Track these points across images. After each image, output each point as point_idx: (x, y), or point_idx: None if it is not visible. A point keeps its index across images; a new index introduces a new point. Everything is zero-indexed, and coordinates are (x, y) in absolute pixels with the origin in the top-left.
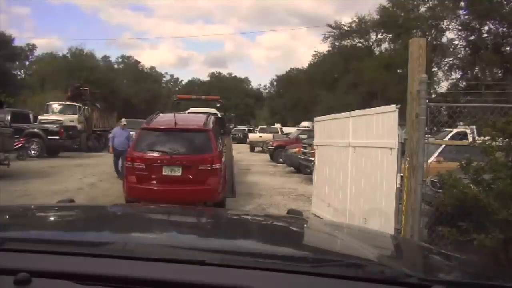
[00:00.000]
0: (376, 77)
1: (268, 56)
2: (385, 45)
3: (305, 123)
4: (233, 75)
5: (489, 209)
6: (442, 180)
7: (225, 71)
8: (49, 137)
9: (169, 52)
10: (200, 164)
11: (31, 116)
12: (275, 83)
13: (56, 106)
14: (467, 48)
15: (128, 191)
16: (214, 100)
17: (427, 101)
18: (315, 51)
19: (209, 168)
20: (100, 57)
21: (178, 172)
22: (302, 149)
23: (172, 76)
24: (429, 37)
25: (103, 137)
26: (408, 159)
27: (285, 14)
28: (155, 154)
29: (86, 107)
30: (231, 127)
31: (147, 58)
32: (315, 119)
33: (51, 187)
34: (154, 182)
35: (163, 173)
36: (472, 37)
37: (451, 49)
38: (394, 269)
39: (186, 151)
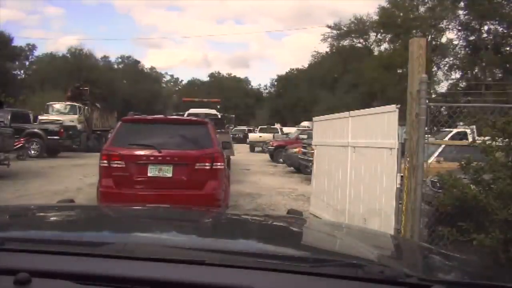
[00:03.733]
0: (376, 77)
1: (278, 55)
2: (384, 45)
3: (305, 123)
4: (232, 75)
5: (489, 209)
6: (442, 180)
7: (245, 72)
8: (49, 137)
9: (174, 53)
10: (196, 162)
11: (31, 116)
12: (275, 83)
13: (56, 106)
14: (467, 48)
15: (102, 198)
16: (215, 102)
17: (427, 101)
18: (315, 51)
19: (209, 167)
20: (100, 57)
21: (168, 172)
22: (302, 149)
23: (172, 76)
24: (429, 37)
25: (103, 137)
26: (408, 159)
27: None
28: (138, 150)
29: (86, 107)
30: (231, 127)
31: (159, 59)
32: (314, 119)
33: (51, 187)
34: (137, 186)
35: (149, 174)
36: (472, 37)
37: (451, 49)
38: (394, 269)
39: (179, 145)
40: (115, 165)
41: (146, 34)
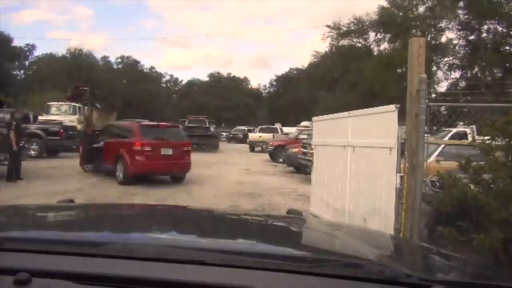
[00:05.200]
0: (376, 76)
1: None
2: (384, 45)
3: (305, 123)
4: (232, 75)
5: (488, 209)
6: (442, 180)
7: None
8: (49, 137)
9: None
10: (182, 147)
11: (31, 116)
12: (275, 83)
13: (56, 106)
14: (466, 48)
15: (138, 165)
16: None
17: (427, 101)
18: (314, 51)
19: (186, 149)
20: (99, 57)
21: (170, 152)
22: (302, 149)
23: (171, 76)
24: (429, 37)
25: None
26: (407, 158)
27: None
28: (155, 140)
29: (86, 107)
30: (212, 128)
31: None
32: (314, 119)
33: (51, 187)
34: (155, 159)
35: (161, 153)
36: (472, 37)
37: (451, 48)
38: (394, 269)
39: (173, 138)
40: (144, 148)
41: (158, 34)
